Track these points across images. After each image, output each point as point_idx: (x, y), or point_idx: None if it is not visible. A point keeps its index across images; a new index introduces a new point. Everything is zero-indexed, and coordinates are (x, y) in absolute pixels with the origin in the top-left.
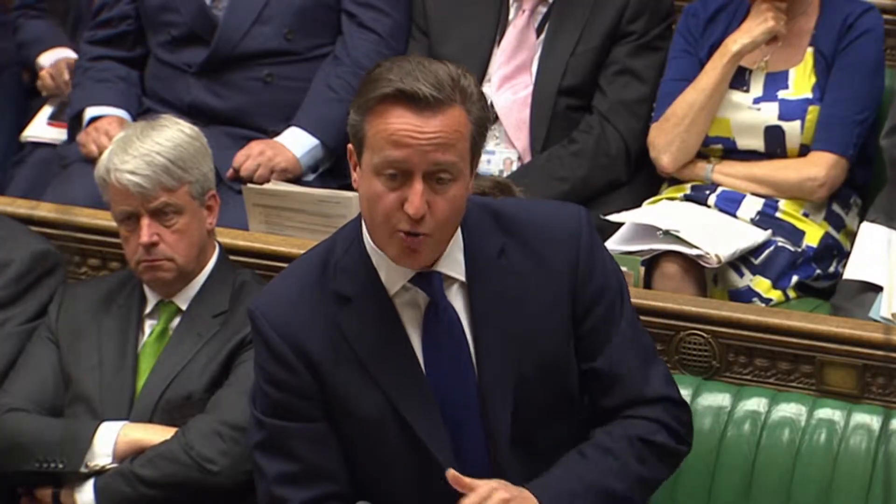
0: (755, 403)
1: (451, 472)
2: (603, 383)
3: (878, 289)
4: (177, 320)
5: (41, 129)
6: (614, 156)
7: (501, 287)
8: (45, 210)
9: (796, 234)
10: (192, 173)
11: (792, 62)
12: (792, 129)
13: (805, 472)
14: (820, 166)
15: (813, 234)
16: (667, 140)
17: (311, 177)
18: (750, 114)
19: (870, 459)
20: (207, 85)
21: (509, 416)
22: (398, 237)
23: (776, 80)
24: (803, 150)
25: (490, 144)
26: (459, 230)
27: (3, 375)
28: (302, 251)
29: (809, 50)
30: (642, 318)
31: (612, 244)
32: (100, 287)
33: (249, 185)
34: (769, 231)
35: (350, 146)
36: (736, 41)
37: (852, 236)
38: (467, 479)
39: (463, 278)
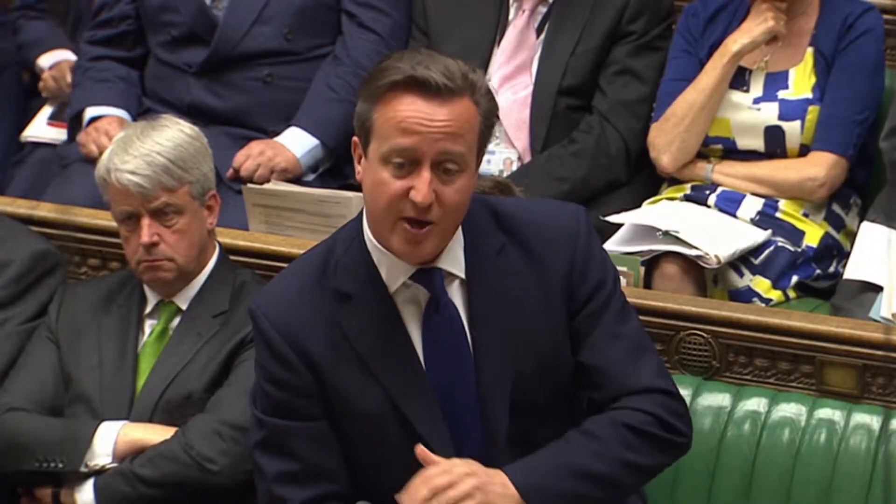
0: (755, 403)
1: (420, 448)
2: (591, 378)
3: (878, 289)
4: (177, 320)
5: (41, 129)
6: (614, 156)
7: (500, 286)
8: (45, 210)
9: (796, 234)
10: (193, 173)
11: (792, 62)
12: (792, 129)
13: (805, 472)
14: (820, 166)
15: (813, 234)
16: (667, 140)
17: (311, 177)
18: (750, 114)
19: (870, 459)
20: (207, 85)
21: (507, 415)
22: (402, 227)
23: (776, 80)
24: (803, 150)
25: (490, 144)
26: (460, 227)
27: (3, 375)
28: (302, 251)
29: (809, 50)
30: (642, 318)
31: (612, 245)
32: (100, 287)
33: (249, 185)
34: (769, 231)
35: (355, 138)
36: (736, 41)
37: (852, 236)
38: (436, 457)
39: (463, 275)
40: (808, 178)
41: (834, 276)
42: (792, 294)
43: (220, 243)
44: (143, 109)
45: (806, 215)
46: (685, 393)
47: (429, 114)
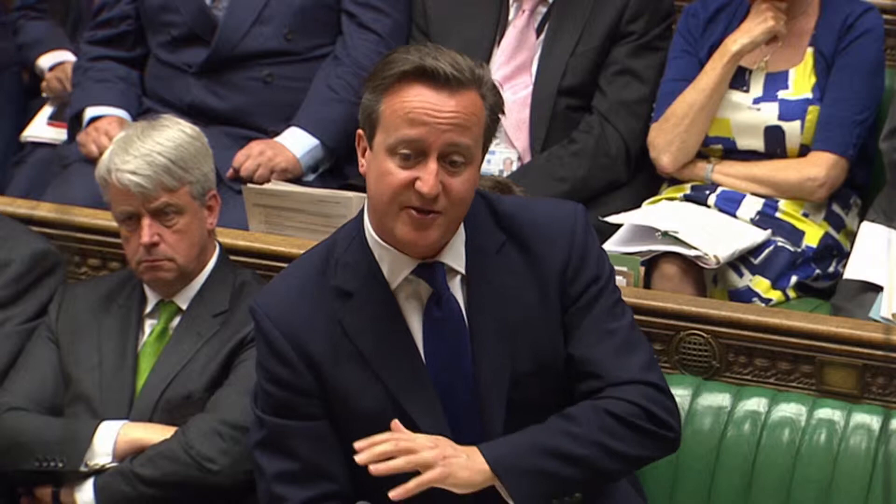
0: (755, 403)
1: (395, 422)
2: (579, 369)
3: (878, 289)
4: (177, 320)
5: (41, 129)
6: (614, 156)
7: (500, 283)
8: (45, 210)
9: (796, 235)
10: (193, 173)
11: (792, 62)
12: (792, 129)
13: (805, 472)
14: (820, 166)
15: (813, 234)
16: (667, 140)
17: (311, 177)
18: (750, 114)
19: (870, 459)
20: (207, 85)
21: (504, 411)
22: (407, 213)
23: (776, 81)
24: (803, 150)
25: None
26: (463, 224)
27: (3, 375)
28: (302, 251)
29: (809, 50)
30: (642, 318)
31: (611, 245)
32: (100, 287)
33: (249, 185)
34: (769, 231)
35: (359, 131)
36: (736, 41)
37: (852, 236)
38: (408, 433)
39: (464, 271)
40: (808, 178)
41: (834, 276)
42: (792, 294)
43: (220, 243)
44: (143, 109)
45: (806, 215)
46: (685, 393)
47: (437, 104)
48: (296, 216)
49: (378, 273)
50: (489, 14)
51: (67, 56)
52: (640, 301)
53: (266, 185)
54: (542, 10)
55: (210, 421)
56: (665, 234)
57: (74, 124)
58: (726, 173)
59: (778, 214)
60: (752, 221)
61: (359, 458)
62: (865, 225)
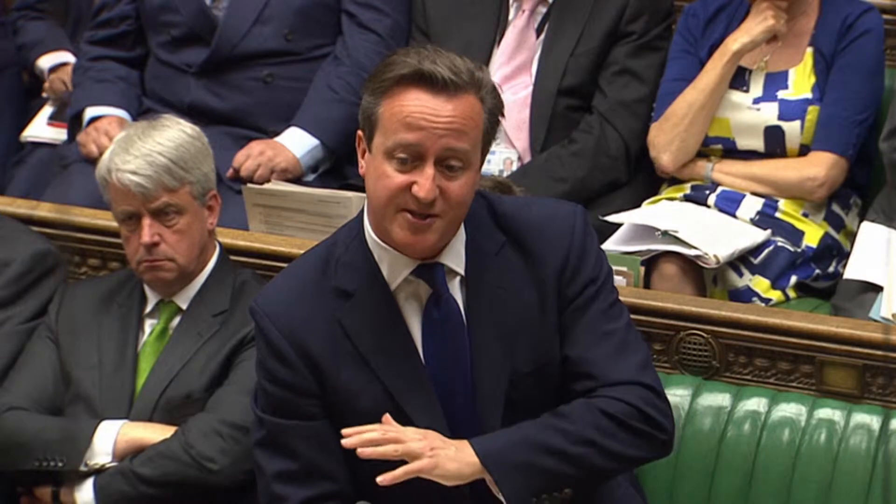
0: (755, 403)
1: (386, 416)
2: (573, 369)
3: (878, 289)
4: (177, 320)
5: (41, 129)
6: (614, 156)
7: (499, 284)
8: (45, 210)
9: (796, 235)
10: (194, 173)
11: (792, 62)
12: (792, 129)
13: (805, 472)
14: (820, 166)
15: (813, 234)
16: (667, 139)
17: (311, 177)
18: (750, 114)
19: (870, 459)
20: (207, 85)
21: (501, 413)
22: (404, 216)
23: (776, 81)
24: (803, 150)
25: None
26: (463, 225)
27: (3, 375)
28: (302, 251)
29: (809, 50)
30: (642, 318)
31: (611, 244)
32: (100, 287)
33: (249, 185)
34: (768, 231)
35: (359, 132)
36: (736, 40)
37: (852, 236)
38: (398, 426)
39: (463, 272)
40: (808, 177)
41: (834, 276)
42: (791, 294)
43: (220, 243)
44: (143, 109)
45: (806, 215)
46: (685, 393)
47: (434, 109)
48: (296, 216)
49: (378, 273)
50: (489, 14)
51: (67, 57)
52: (640, 301)
53: (266, 185)
54: (542, 10)
55: (210, 420)
56: (665, 233)
57: (74, 124)
58: (726, 172)
59: (778, 214)
60: (752, 221)
61: (345, 442)
62: (865, 225)
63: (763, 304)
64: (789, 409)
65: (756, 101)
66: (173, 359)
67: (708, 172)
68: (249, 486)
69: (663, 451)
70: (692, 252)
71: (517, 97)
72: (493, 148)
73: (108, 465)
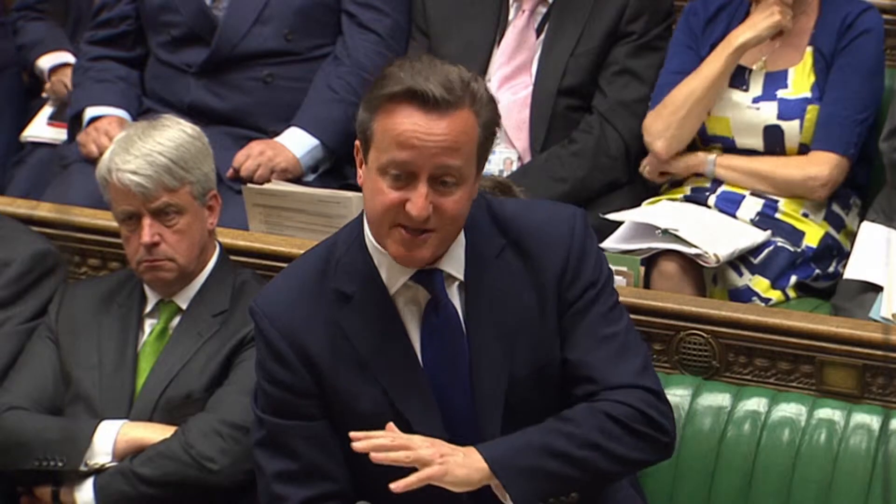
0: (755, 403)
1: (390, 424)
2: (574, 373)
3: (878, 289)
4: (177, 319)
5: (41, 129)
6: (614, 156)
7: (498, 288)
8: (45, 210)
9: (796, 235)
10: (194, 173)
11: (791, 62)
12: (791, 128)
13: (805, 472)
14: (823, 166)
15: (813, 234)
16: (663, 126)
17: (311, 177)
18: (749, 113)
19: (870, 459)
20: (207, 85)
21: (500, 417)
22: (398, 232)
23: (775, 80)
24: (802, 150)
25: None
26: (462, 230)
27: (3, 375)
28: (302, 251)
29: (809, 49)
30: (642, 318)
31: (611, 243)
32: (100, 287)
33: (249, 185)
34: (768, 232)
35: (357, 143)
36: (741, 34)
37: (852, 236)
38: (405, 435)
39: (462, 278)
40: (810, 177)
41: (834, 276)
42: (791, 294)
43: (220, 243)
44: (143, 109)
45: (806, 215)
46: (685, 393)
47: (426, 128)
48: (296, 216)
49: (377, 277)
50: (489, 14)
51: (67, 57)
52: (640, 301)
53: (266, 185)
54: (542, 10)
55: (210, 420)
56: (665, 231)
57: (74, 124)
58: (728, 166)
59: (778, 215)
60: (752, 222)
61: (357, 446)
62: (865, 225)
63: (763, 304)
64: (789, 409)
65: (755, 100)
66: (173, 359)
67: (710, 166)
68: (249, 486)
69: (665, 453)
70: (692, 251)
71: (517, 97)
72: (493, 148)
73: (108, 465)
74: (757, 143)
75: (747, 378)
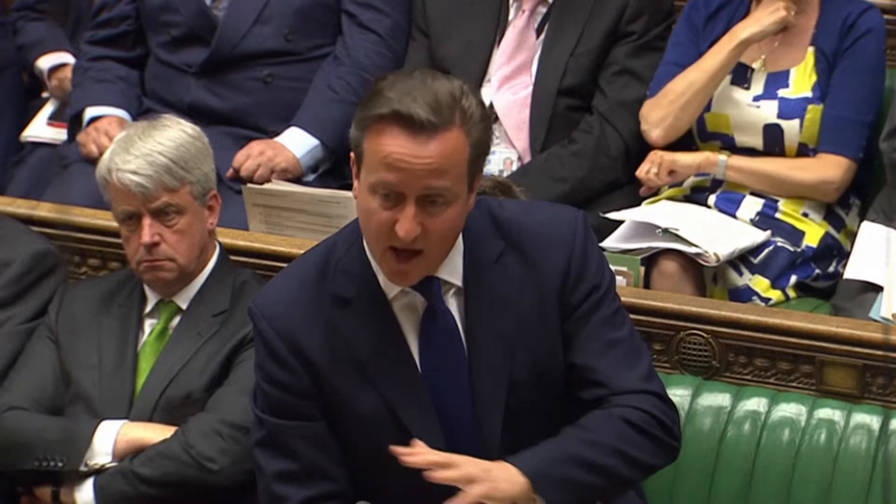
0: (755, 403)
1: (416, 442)
2: (582, 377)
3: (878, 289)
4: (177, 319)
5: (41, 129)
6: (615, 156)
7: (498, 292)
8: (45, 210)
9: (796, 235)
10: (194, 173)
11: (793, 61)
12: (791, 127)
13: (805, 472)
14: (836, 169)
15: (813, 234)
16: (661, 115)
17: (311, 177)
18: (749, 111)
19: (870, 459)
20: (207, 85)
21: (500, 422)
22: (389, 255)
23: (777, 79)
24: (801, 149)
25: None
26: (461, 236)
27: (3, 375)
28: (302, 251)
29: (810, 49)
30: (642, 318)
31: (612, 242)
32: (100, 287)
33: (249, 185)
34: (768, 232)
35: (352, 154)
36: (745, 28)
37: (852, 236)
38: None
39: (460, 284)
40: (825, 180)
41: (834, 276)
42: (791, 293)
43: (220, 243)
44: (143, 109)
45: (806, 215)
46: (685, 393)
47: (412, 151)
48: (296, 216)
49: (375, 282)
50: (489, 14)
51: (67, 58)
52: (640, 301)
53: (266, 185)
54: (542, 10)
55: (210, 420)
56: (665, 231)
57: (74, 124)
58: (739, 168)
59: (778, 215)
60: (752, 222)
61: (410, 460)
62: (865, 225)
63: (763, 304)
64: (789, 409)
65: (756, 98)
66: (173, 359)
67: (721, 167)
68: (249, 486)
69: (674, 457)
70: (692, 250)
71: (517, 97)
72: (493, 148)
73: (108, 466)
74: (756, 141)
75: (747, 378)
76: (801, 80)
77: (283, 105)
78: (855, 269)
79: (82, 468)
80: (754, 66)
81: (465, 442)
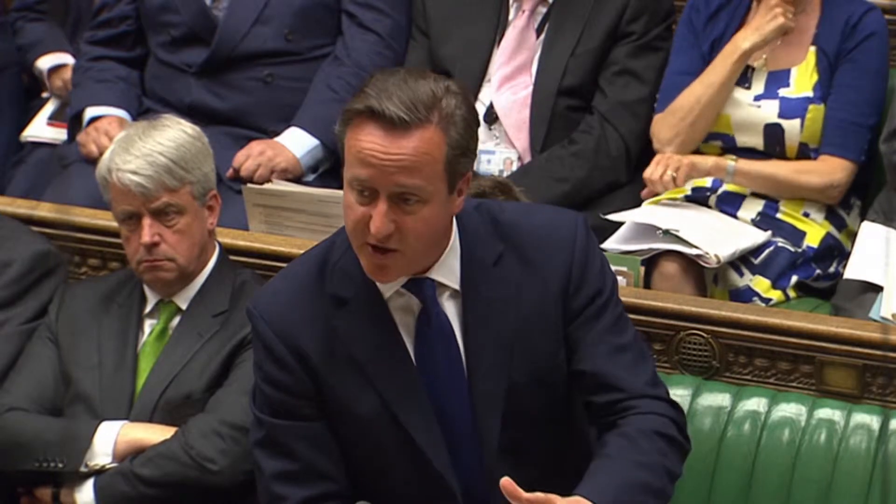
0: (755, 403)
1: (506, 480)
2: (591, 382)
3: (878, 289)
4: (177, 320)
5: (41, 129)
6: (615, 157)
7: (496, 295)
8: (45, 210)
9: (797, 235)
10: (194, 173)
11: (794, 61)
12: (791, 127)
13: (805, 472)
14: (842, 172)
15: (814, 234)
16: (671, 134)
17: (311, 177)
18: (750, 111)
19: (870, 459)
20: (208, 85)
21: (499, 424)
22: (367, 249)
23: (778, 79)
24: (802, 149)
25: (490, 144)
26: (457, 238)
27: (3, 375)
28: (302, 251)
29: (812, 49)
30: (642, 318)
31: (612, 243)
32: (100, 287)
33: (249, 185)
34: (769, 232)
35: None
36: (746, 38)
37: (853, 236)
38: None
39: (457, 286)
40: (832, 185)
41: (834, 276)
42: (792, 294)
43: (220, 243)
44: (143, 110)
45: (807, 215)
46: (685, 393)
47: (383, 147)
48: (296, 216)
49: (371, 282)
50: (489, 14)
51: (67, 58)
52: (640, 301)
53: (266, 185)
54: (542, 10)
55: (210, 421)
56: (666, 232)
57: (74, 124)
58: (746, 173)
59: (778, 215)
60: (753, 222)
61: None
62: (865, 225)
63: (763, 304)
64: (789, 409)
65: (757, 98)
66: (173, 359)
67: (730, 171)
68: (249, 487)
69: (687, 456)
70: (693, 251)
71: (517, 97)
72: (494, 148)
73: (108, 466)
74: (757, 141)
75: (747, 378)
76: (802, 80)
77: (283, 105)
78: (855, 270)
79: (82, 469)
80: (755, 65)
81: (464, 442)
